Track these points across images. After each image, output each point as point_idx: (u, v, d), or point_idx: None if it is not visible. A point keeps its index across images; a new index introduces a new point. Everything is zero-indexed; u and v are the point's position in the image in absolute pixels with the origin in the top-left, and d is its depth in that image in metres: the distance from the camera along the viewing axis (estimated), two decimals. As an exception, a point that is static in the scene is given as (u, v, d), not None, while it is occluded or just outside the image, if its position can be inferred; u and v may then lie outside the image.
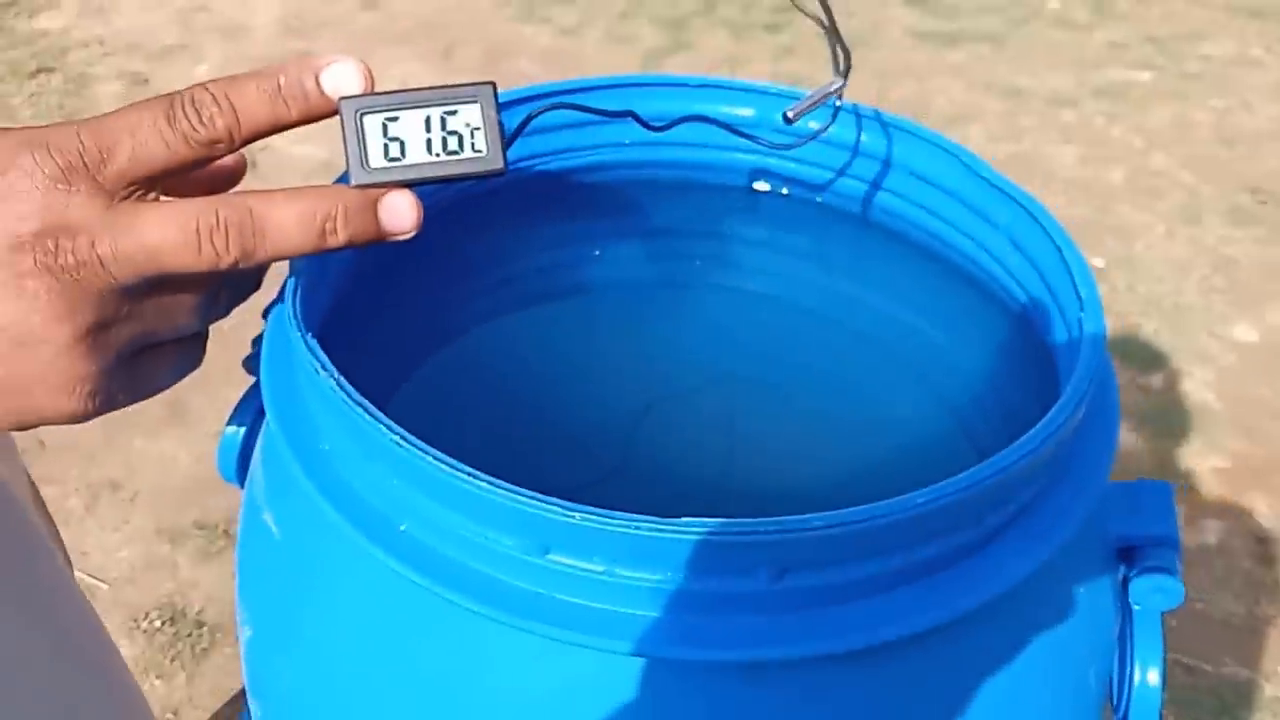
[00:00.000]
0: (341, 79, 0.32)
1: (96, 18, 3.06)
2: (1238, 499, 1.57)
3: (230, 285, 0.33)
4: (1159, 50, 2.71)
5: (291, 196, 0.31)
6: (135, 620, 1.38)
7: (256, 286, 0.35)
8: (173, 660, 1.34)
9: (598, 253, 0.54)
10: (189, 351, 0.34)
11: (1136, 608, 0.40)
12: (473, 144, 0.32)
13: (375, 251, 0.44)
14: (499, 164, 0.33)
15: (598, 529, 0.29)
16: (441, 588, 0.31)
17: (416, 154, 0.32)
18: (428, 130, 0.32)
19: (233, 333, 1.60)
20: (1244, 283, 1.94)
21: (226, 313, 0.34)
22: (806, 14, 0.45)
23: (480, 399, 0.48)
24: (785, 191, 0.52)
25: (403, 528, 0.32)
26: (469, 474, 0.29)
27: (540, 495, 0.29)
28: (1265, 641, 1.38)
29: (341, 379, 0.32)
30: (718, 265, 0.54)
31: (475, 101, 0.32)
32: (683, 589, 0.30)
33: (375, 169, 0.32)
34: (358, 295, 0.44)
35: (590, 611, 0.30)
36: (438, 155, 0.32)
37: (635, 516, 0.29)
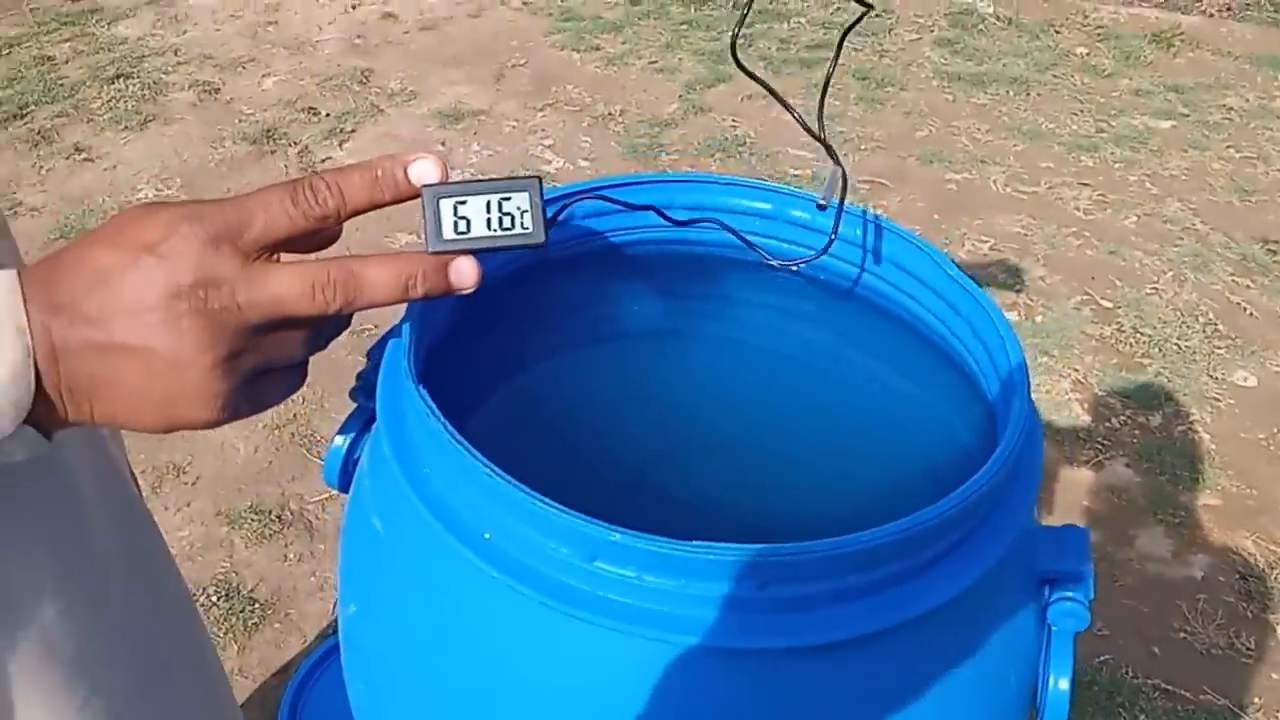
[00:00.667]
0: (424, 171, 0.42)
1: (171, 27, 3.21)
2: (1226, 537, 1.64)
3: (329, 326, 0.43)
4: (1181, 99, 2.79)
5: (385, 261, 0.41)
6: (194, 595, 1.50)
7: (347, 325, 0.45)
8: (226, 633, 1.46)
9: (636, 310, 0.65)
10: (296, 376, 0.43)
11: (1053, 628, 0.51)
12: (522, 223, 0.43)
13: (457, 312, 0.55)
14: (541, 239, 0.43)
15: (632, 545, 0.40)
16: (514, 582, 0.42)
17: (479, 229, 0.42)
18: (488, 211, 0.42)
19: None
20: (1248, 330, 2.02)
21: (325, 346, 0.44)
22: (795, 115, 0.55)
23: (540, 425, 0.59)
24: (795, 269, 0.63)
25: (486, 535, 0.43)
26: (539, 498, 0.41)
27: (591, 518, 0.40)
28: (1243, 673, 1.45)
29: (447, 423, 0.43)
30: (737, 324, 0.65)
31: (525, 190, 0.42)
32: (694, 594, 0.41)
33: (446, 240, 0.42)
34: (446, 346, 0.56)
35: (625, 606, 0.41)
36: (494, 231, 0.42)
37: (660, 538, 0.40)
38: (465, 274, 0.42)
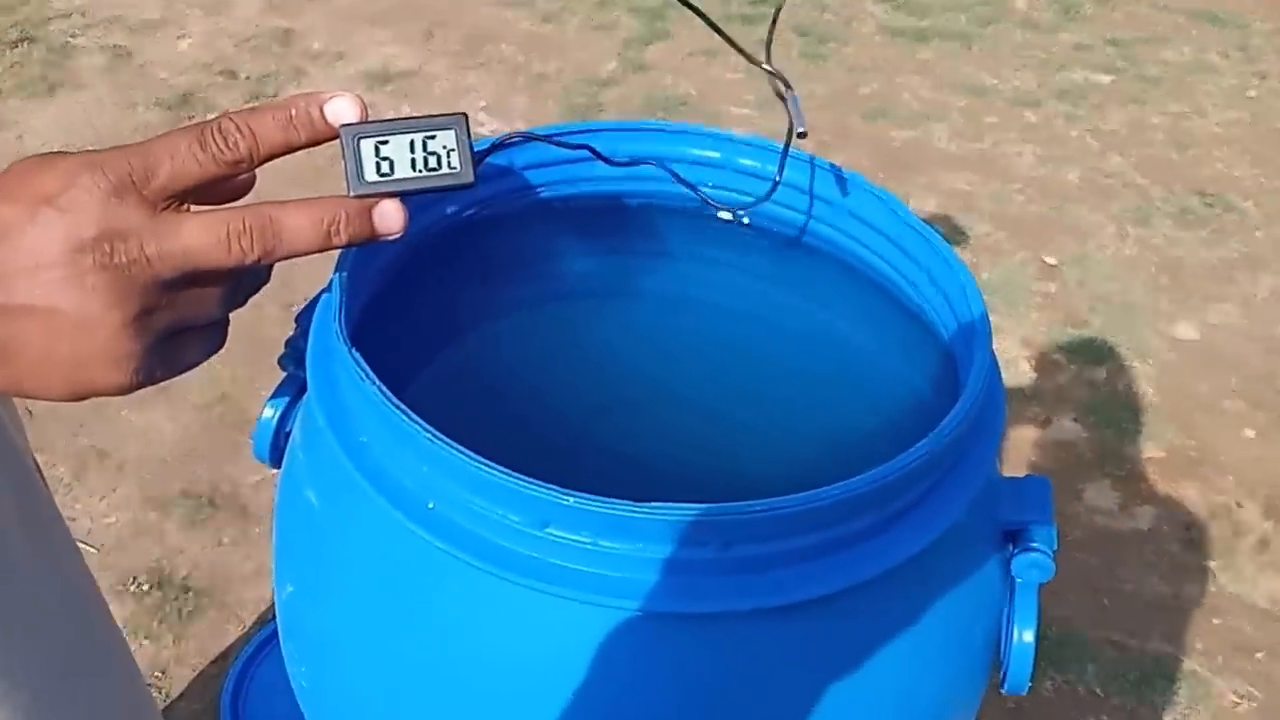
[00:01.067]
0: (342, 109, 0.39)
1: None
2: (1170, 488, 1.67)
3: (246, 280, 0.40)
4: (1120, 53, 2.81)
5: (303, 205, 0.38)
6: (124, 584, 1.45)
7: (267, 279, 0.42)
8: (160, 622, 1.41)
9: (579, 267, 0.62)
10: (214, 335, 0.41)
11: (1018, 580, 0.49)
12: (449, 163, 0.40)
13: (389, 271, 0.52)
14: (469, 179, 0.40)
15: (586, 510, 0.38)
16: (462, 553, 0.40)
17: (403, 170, 0.40)
18: (412, 151, 0.40)
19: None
20: (1187, 283, 2.05)
21: (244, 302, 0.42)
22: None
23: (482, 387, 0.56)
24: (746, 220, 0.61)
25: (430, 505, 0.41)
26: (486, 464, 0.38)
27: (541, 482, 0.38)
28: (1188, 621, 1.48)
29: (383, 387, 0.40)
30: (683, 279, 0.62)
31: (451, 129, 0.40)
32: (651, 557, 0.39)
33: (369, 183, 0.39)
34: (378, 307, 0.53)
35: (579, 574, 0.39)
36: (420, 172, 0.40)
37: (615, 500, 0.38)
38: (390, 218, 0.40)
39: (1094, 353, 1.90)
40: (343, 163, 0.39)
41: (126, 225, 0.35)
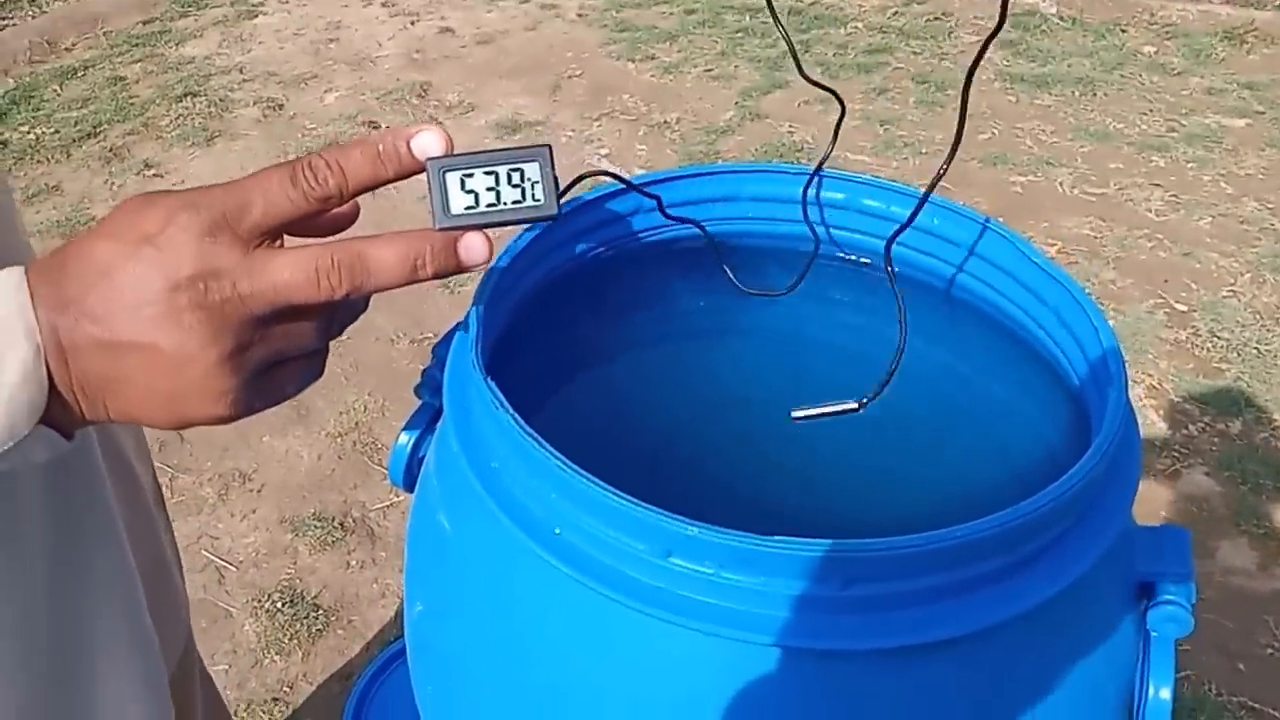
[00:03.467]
0: (428, 144, 0.39)
1: (236, 46, 3.28)
2: (1314, 548, 1.57)
3: (342, 311, 0.40)
4: (1256, 96, 2.70)
5: (391, 240, 0.38)
6: (259, 601, 1.52)
7: (364, 309, 0.43)
8: (290, 639, 1.47)
9: (700, 305, 0.63)
10: (312, 366, 0.41)
11: (1153, 634, 0.48)
12: (533, 195, 0.40)
13: (517, 311, 0.54)
14: (553, 210, 0.40)
15: (709, 540, 0.38)
16: (586, 578, 0.41)
17: (487, 202, 0.39)
18: (496, 184, 0.40)
19: (348, 345, 1.76)
20: (1331, 333, 1.94)
21: (340, 333, 0.41)
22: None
23: (606, 419, 0.57)
24: (865, 261, 0.61)
25: (557, 531, 0.42)
26: (613, 491, 0.39)
27: (666, 511, 0.39)
28: (1334, 692, 1.39)
29: (515, 415, 0.42)
30: (800, 320, 0.63)
31: (535, 161, 0.40)
32: (772, 591, 0.39)
33: (454, 215, 0.39)
34: (511, 336, 0.55)
35: (701, 604, 0.40)
36: (504, 204, 0.40)
37: (739, 533, 0.38)
38: (475, 250, 0.40)
39: (1228, 403, 1.81)
40: (428, 196, 0.40)
41: (220, 264, 0.36)
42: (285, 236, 0.39)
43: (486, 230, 0.40)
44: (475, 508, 0.45)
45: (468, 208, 0.40)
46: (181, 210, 0.36)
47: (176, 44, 3.30)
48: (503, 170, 0.40)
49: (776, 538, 0.38)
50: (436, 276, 0.39)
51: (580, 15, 3.42)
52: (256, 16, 3.51)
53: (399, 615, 1.50)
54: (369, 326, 2.02)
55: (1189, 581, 0.48)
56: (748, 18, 3.31)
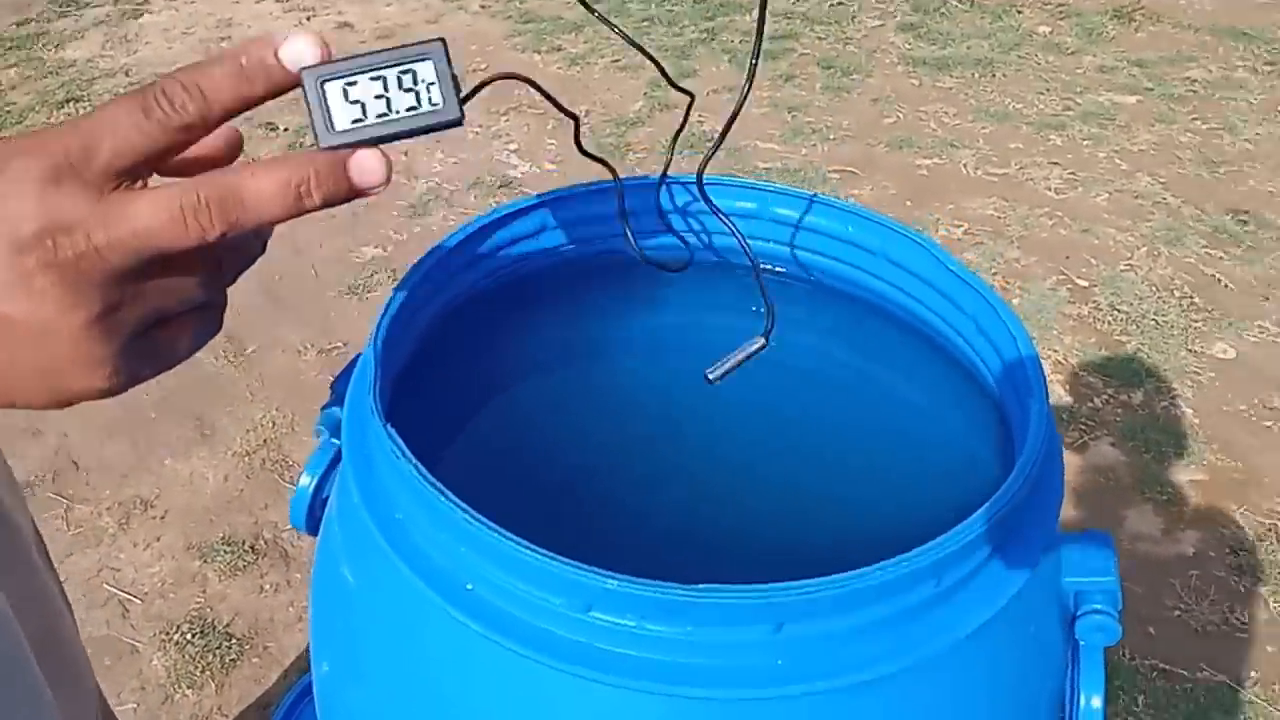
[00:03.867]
0: (299, 51, 0.33)
1: (121, 47, 3.13)
2: (1214, 511, 1.63)
3: (231, 256, 0.35)
4: (1145, 74, 2.78)
5: (267, 167, 0.33)
6: (167, 633, 1.45)
7: (260, 252, 0.37)
8: (203, 671, 1.40)
9: (609, 326, 0.61)
10: (206, 321, 0.36)
11: (1082, 644, 0.47)
12: (429, 99, 0.35)
13: (422, 339, 0.51)
14: (455, 114, 0.35)
15: (630, 592, 0.36)
16: (501, 637, 0.38)
17: (377, 113, 0.34)
18: (386, 90, 0.34)
19: (253, 358, 1.69)
20: (1224, 302, 2.01)
21: (233, 280, 0.36)
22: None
23: (517, 457, 0.55)
24: (780, 270, 0.59)
25: (469, 587, 0.39)
26: (527, 546, 0.37)
27: (584, 565, 0.36)
28: (1239, 648, 1.44)
29: (419, 465, 0.39)
30: (724, 333, 0.61)
31: (428, 59, 0.35)
32: (700, 640, 0.37)
33: (340, 131, 0.34)
34: (410, 375, 0.52)
35: (624, 658, 0.37)
36: (398, 113, 0.34)
37: (659, 583, 0.36)
38: (369, 169, 0.34)
39: (1129, 375, 1.87)
40: (306, 113, 0.34)
41: (68, 215, 0.31)
42: (155, 179, 0.34)
43: (380, 145, 0.35)
44: (379, 561, 0.42)
45: (355, 121, 0.34)
46: (15, 157, 0.31)
47: (55, 46, 3.13)
48: (391, 74, 0.34)
49: (700, 586, 0.36)
50: (327, 204, 0.34)
51: (483, 7, 3.35)
52: (141, 15, 3.35)
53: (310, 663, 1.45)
54: (274, 338, 1.95)
55: (1115, 590, 0.47)
56: (653, 6, 3.29)
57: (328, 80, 0.34)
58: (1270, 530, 1.60)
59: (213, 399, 1.83)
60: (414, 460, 0.39)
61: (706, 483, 0.54)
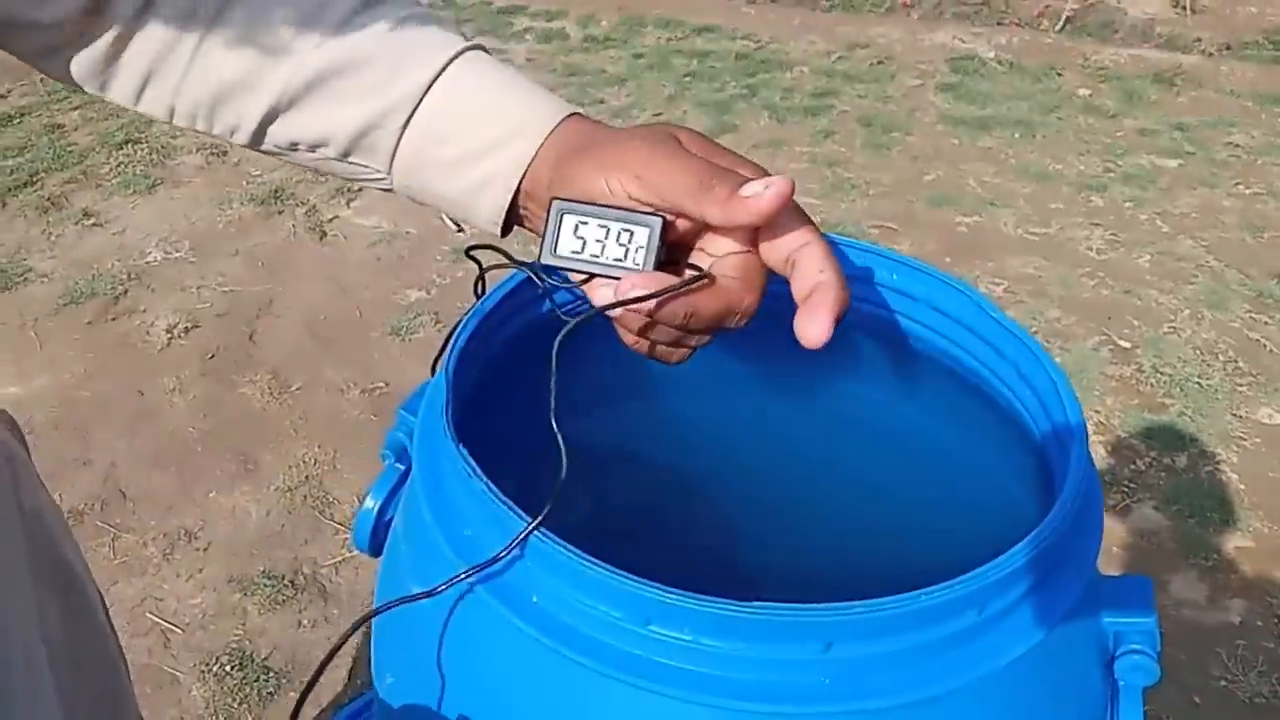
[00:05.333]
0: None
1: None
2: (1261, 579, 1.61)
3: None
4: (1187, 138, 2.80)
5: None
6: (207, 664, 1.47)
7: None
8: (240, 704, 1.42)
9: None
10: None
11: (1121, 684, 0.48)
12: (634, 259, 0.41)
13: (488, 370, 0.54)
14: (650, 274, 0.41)
15: (687, 607, 0.38)
16: (564, 647, 0.40)
17: (591, 253, 0.42)
18: (605, 238, 0.41)
19: (297, 396, 1.74)
20: (1269, 367, 2.00)
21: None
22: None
23: (581, 479, 0.57)
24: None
25: (534, 599, 0.41)
26: (593, 562, 0.39)
27: (645, 580, 0.39)
28: (1288, 721, 1.41)
29: (490, 484, 0.42)
30: (773, 376, 0.63)
31: (647, 228, 0.41)
32: (752, 656, 0.39)
33: (558, 255, 0.42)
34: (477, 402, 0.54)
35: (680, 672, 0.39)
36: (607, 259, 0.42)
37: (716, 600, 0.38)
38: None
39: (1173, 438, 1.85)
40: (542, 230, 0.41)
41: None
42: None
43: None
44: (447, 575, 0.44)
45: (573, 251, 0.42)
46: None
47: (119, 91, 3.26)
48: (615, 227, 0.41)
49: (755, 603, 0.38)
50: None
51: (530, 60, 3.45)
52: (202, 63, 3.48)
53: (353, 675, 1.47)
54: (318, 377, 2.00)
55: (1153, 631, 0.48)
56: (695, 62, 3.37)
57: (567, 213, 0.42)
58: (1316, 599, 1.57)
59: (257, 435, 1.87)
60: (485, 479, 0.42)
61: (754, 514, 0.56)
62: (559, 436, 0.41)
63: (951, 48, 3.39)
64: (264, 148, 0.48)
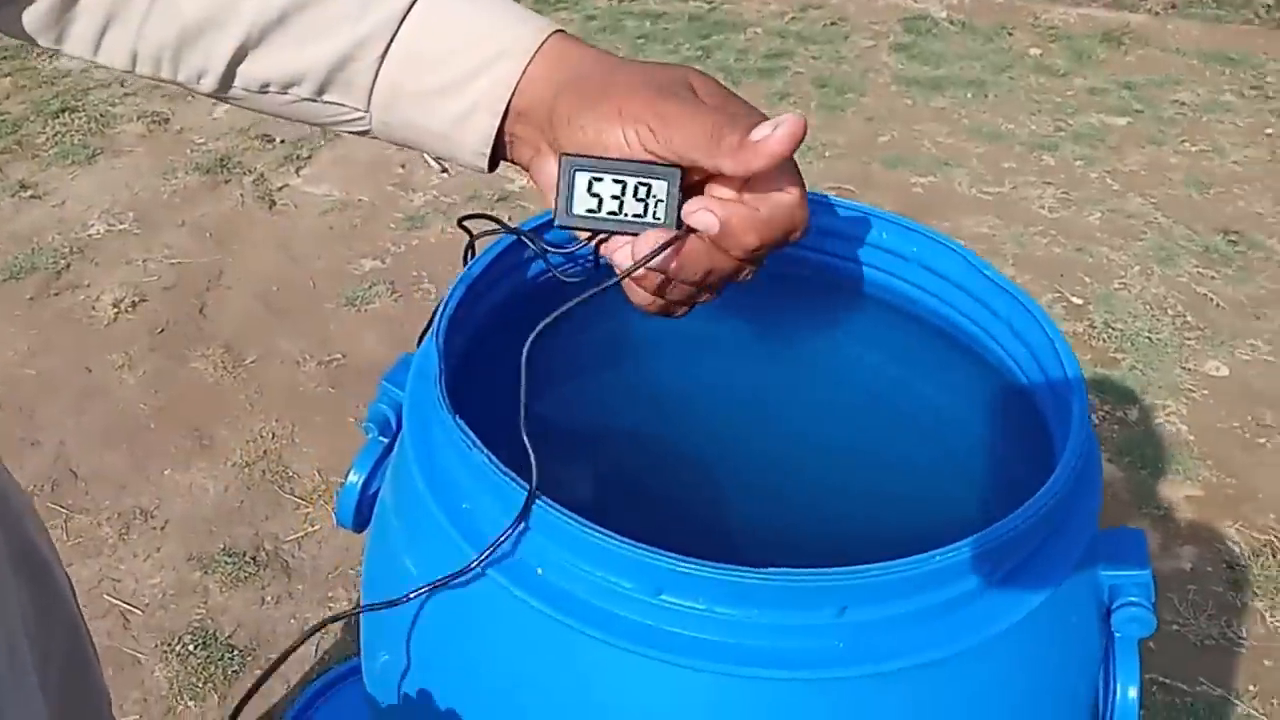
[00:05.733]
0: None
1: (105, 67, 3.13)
2: (1210, 527, 1.65)
3: None
4: (1135, 96, 2.83)
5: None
6: (169, 645, 1.44)
7: None
8: (205, 682, 1.40)
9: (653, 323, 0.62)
10: None
11: (1118, 635, 0.49)
12: (654, 212, 0.39)
13: (474, 338, 0.52)
14: (673, 231, 0.39)
15: (701, 575, 0.37)
16: (572, 620, 0.39)
17: (609, 210, 0.40)
18: (622, 194, 0.39)
19: (252, 369, 1.69)
20: (1216, 320, 2.04)
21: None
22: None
23: (569, 449, 0.56)
24: (810, 276, 0.61)
25: (539, 572, 0.40)
26: (601, 532, 0.38)
27: (656, 549, 0.38)
28: (1237, 662, 1.45)
29: (491, 455, 0.40)
30: (763, 339, 0.62)
31: (665, 180, 0.39)
32: (767, 622, 0.38)
33: (574, 215, 0.40)
34: (464, 372, 0.53)
35: (693, 641, 0.39)
36: (626, 215, 0.40)
37: (730, 567, 0.37)
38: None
39: (1124, 392, 1.89)
40: (555, 190, 0.39)
41: None
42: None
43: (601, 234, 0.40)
44: (447, 551, 0.43)
45: (589, 210, 0.40)
46: None
47: (50, 56, 3.13)
48: (631, 181, 0.39)
49: (769, 570, 0.37)
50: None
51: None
52: (137, 27, 3.35)
53: (321, 651, 1.45)
54: (273, 349, 1.95)
55: (1149, 581, 0.49)
56: (648, 23, 3.33)
57: (580, 170, 0.39)
58: (1266, 546, 1.62)
59: (211, 410, 1.83)
60: (485, 451, 0.41)
61: (742, 481, 0.55)
62: (523, 432, 0.39)
63: (904, 7, 3.39)
64: (233, 93, 0.45)
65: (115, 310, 2.08)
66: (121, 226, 2.35)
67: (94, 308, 2.10)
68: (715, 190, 0.40)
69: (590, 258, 0.43)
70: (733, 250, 0.39)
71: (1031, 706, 0.44)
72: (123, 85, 2.94)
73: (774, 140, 0.37)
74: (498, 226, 0.46)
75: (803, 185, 0.40)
